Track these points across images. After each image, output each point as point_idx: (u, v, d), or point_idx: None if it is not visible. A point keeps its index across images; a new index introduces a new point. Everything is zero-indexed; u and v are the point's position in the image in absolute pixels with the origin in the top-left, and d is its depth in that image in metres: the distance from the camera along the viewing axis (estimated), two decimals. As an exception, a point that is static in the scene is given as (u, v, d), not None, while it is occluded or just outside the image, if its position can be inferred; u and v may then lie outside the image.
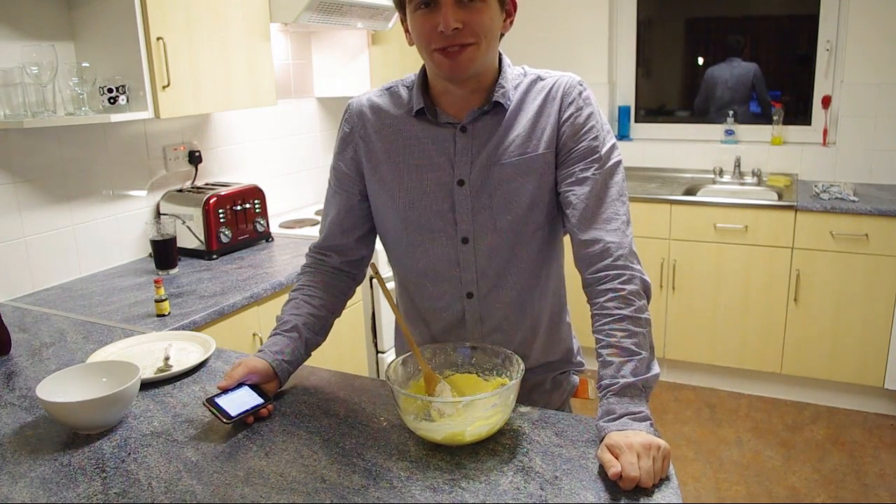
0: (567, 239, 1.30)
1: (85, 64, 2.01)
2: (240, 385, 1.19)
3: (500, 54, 1.26)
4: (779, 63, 3.86)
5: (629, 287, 1.13)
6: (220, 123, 2.70)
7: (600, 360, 1.11)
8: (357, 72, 3.04)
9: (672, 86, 4.12)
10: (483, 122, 1.24)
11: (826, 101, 3.55)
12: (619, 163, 1.23)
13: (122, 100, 2.02)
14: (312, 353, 1.32)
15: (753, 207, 3.16)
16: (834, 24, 3.48)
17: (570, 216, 1.20)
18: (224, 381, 1.19)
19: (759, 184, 3.59)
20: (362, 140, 1.31)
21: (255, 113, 2.87)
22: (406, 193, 1.27)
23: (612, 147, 1.23)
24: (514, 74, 1.27)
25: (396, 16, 2.82)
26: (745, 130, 3.79)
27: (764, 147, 3.69)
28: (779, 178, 3.54)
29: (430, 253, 1.29)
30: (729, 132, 3.77)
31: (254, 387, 1.20)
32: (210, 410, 1.14)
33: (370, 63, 2.99)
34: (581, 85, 1.25)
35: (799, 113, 3.70)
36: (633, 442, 0.98)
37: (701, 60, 4.01)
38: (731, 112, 3.77)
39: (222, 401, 1.16)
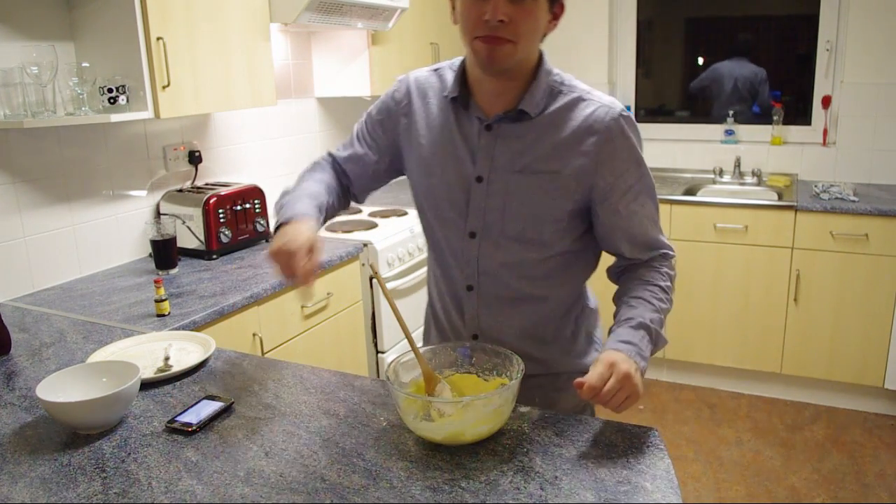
0: (597, 273, 1.39)
1: (85, 64, 2.01)
2: (198, 401, 1.24)
3: (541, 55, 1.25)
4: (779, 63, 3.86)
5: (672, 273, 1.27)
6: (220, 123, 2.70)
7: (622, 303, 1.20)
8: (357, 72, 3.04)
9: (672, 86, 4.12)
10: (509, 126, 1.24)
11: (826, 101, 3.55)
12: (652, 186, 1.30)
13: (122, 100, 2.02)
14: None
15: (753, 207, 3.16)
16: (834, 24, 3.48)
17: (622, 255, 1.30)
18: (309, 262, 1.16)
19: (759, 184, 3.59)
20: (405, 117, 1.35)
21: (255, 113, 2.87)
22: (429, 178, 1.31)
23: (646, 175, 1.28)
24: (552, 83, 1.24)
25: (396, 15, 2.85)
26: (745, 130, 3.79)
27: (764, 147, 3.68)
28: (779, 178, 3.54)
29: (440, 237, 1.35)
30: (729, 132, 3.77)
31: (212, 397, 1.25)
32: (174, 430, 1.16)
33: (370, 63, 2.99)
34: (623, 117, 1.22)
35: (799, 113, 3.70)
36: (617, 363, 1.06)
37: (701, 61, 4.01)
38: (731, 112, 3.77)
39: (182, 417, 1.19)
